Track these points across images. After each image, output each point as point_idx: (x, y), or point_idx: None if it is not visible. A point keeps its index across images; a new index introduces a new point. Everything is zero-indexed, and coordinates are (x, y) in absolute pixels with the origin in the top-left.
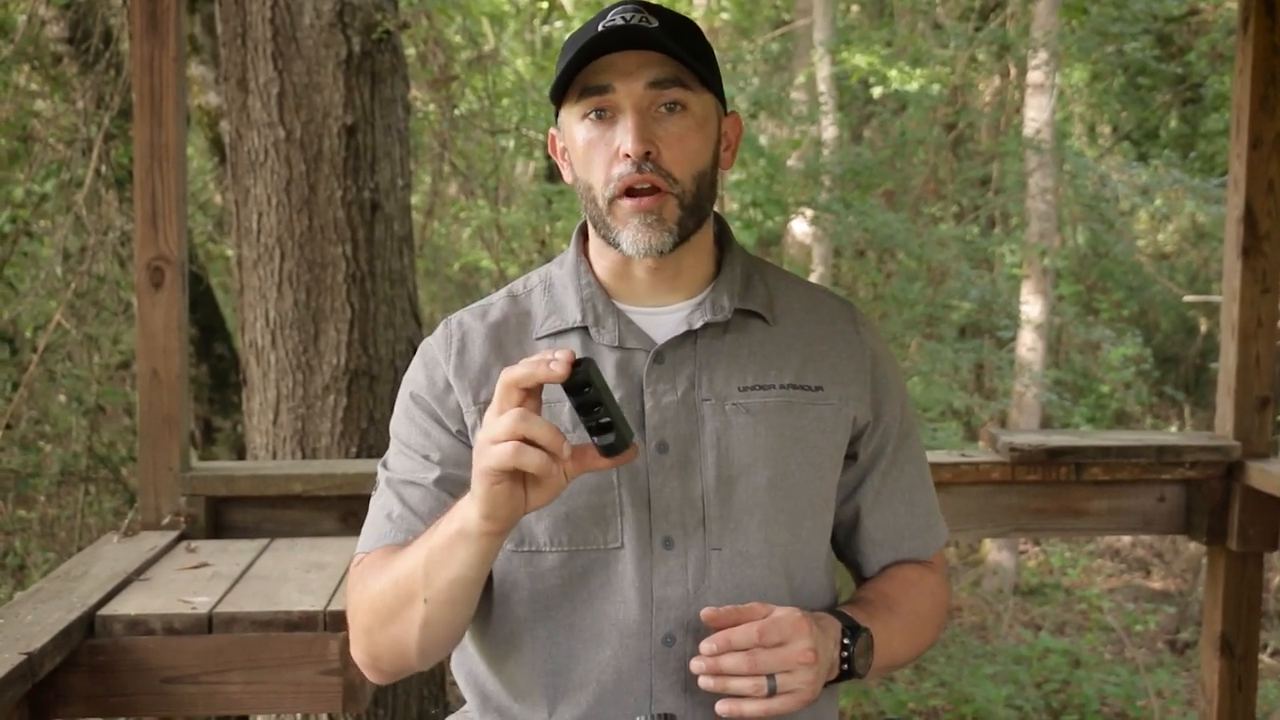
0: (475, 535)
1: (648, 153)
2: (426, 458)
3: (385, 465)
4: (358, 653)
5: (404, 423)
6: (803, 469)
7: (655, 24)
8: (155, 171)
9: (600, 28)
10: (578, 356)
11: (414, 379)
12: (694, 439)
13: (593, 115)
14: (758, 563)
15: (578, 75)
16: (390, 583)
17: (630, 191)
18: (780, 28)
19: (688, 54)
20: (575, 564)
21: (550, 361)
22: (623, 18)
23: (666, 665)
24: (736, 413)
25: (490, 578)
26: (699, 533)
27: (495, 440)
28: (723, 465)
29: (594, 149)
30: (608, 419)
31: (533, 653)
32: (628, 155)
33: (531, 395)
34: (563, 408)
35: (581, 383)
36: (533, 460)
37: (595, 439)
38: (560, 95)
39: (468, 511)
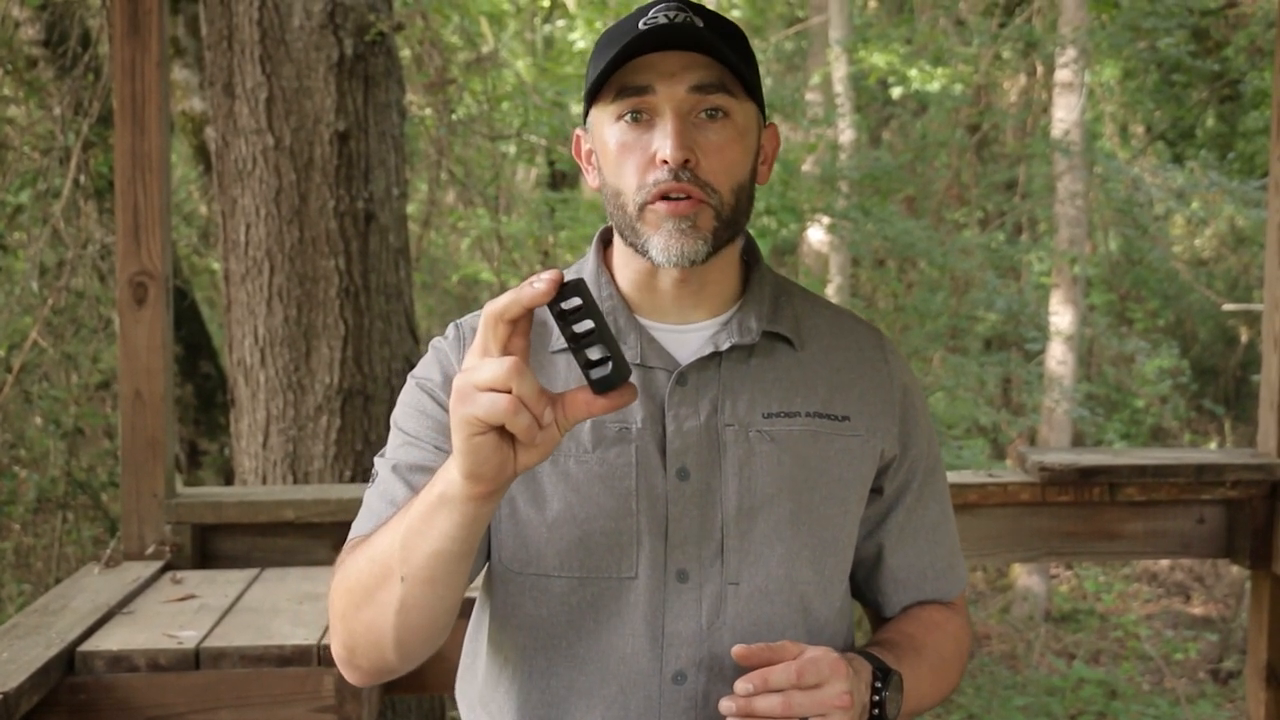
0: (459, 499)
1: (686, 160)
2: (438, 448)
3: (385, 456)
4: (335, 645)
5: (412, 414)
6: (827, 502)
7: (701, 24)
8: (137, 181)
9: (642, 25)
10: (567, 279)
11: (425, 373)
12: (715, 466)
13: (628, 117)
14: (776, 599)
15: (615, 74)
16: (366, 561)
17: (664, 196)
18: (794, 25)
19: (734, 58)
20: (585, 592)
21: (534, 282)
22: (666, 15)
23: (676, 705)
24: (761, 440)
25: (489, 594)
26: (716, 565)
27: (483, 388)
28: (744, 495)
29: (628, 153)
30: (601, 348)
31: (528, 682)
32: (665, 161)
33: (519, 333)
34: (582, 426)
35: (571, 307)
36: (523, 422)
37: (589, 374)
38: (593, 94)
39: (450, 473)
